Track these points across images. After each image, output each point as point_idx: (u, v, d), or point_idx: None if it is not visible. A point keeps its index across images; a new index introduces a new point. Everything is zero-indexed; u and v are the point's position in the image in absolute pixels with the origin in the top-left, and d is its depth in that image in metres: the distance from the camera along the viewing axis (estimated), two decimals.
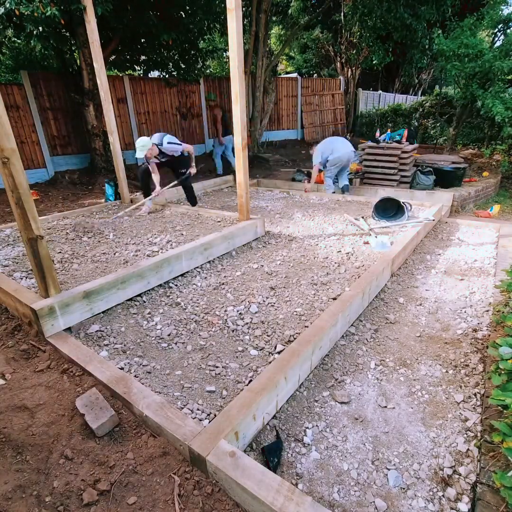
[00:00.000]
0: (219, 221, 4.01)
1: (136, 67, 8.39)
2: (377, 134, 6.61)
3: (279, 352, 2.07)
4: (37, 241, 2.11)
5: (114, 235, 3.73)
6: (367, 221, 4.45)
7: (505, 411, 1.51)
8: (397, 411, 1.87)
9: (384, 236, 3.68)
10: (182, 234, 3.67)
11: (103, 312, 2.49)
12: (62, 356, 2.11)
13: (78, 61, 6.73)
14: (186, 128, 9.00)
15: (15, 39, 7.33)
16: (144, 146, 4.19)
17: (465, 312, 2.70)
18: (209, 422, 1.57)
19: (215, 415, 1.64)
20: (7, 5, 4.55)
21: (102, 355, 2.10)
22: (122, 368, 1.99)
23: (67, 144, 7.28)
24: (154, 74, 8.95)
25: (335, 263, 3.29)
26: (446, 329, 2.52)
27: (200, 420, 1.61)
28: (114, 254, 3.18)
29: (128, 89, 7.81)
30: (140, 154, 4.22)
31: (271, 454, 1.55)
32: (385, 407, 1.89)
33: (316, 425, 1.78)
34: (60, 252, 3.25)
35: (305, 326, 2.32)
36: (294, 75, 12.80)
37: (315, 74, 15.07)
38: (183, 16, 7.00)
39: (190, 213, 4.45)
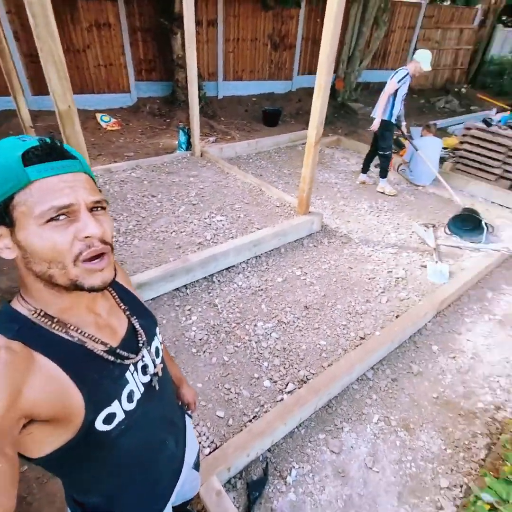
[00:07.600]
0: (278, 207, 3.97)
1: None
2: (493, 112, 5.52)
3: (289, 392, 2.27)
4: None
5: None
6: (436, 232, 4.07)
7: None
8: (380, 476, 2.03)
9: (444, 266, 3.41)
10: (239, 217, 3.75)
11: (151, 299, 2.84)
12: None
13: None
14: (275, 61, 8.20)
15: None
16: None
17: (497, 381, 2.58)
18: (210, 452, 1.90)
19: (216, 445, 1.96)
20: None
21: None
22: None
23: (152, 70, 7.17)
24: None
25: (380, 288, 3.20)
26: (468, 397, 2.48)
27: (203, 447, 1.95)
28: (171, 233, 3.41)
29: (220, 9, 7.14)
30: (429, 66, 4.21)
31: (254, 489, 1.87)
32: (370, 468, 2.06)
33: (302, 467, 2.03)
34: (125, 221, 3.52)
35: (322, 366, 2.46)
36: None
37: None
38: None
39: (253, 186, 4.42)
